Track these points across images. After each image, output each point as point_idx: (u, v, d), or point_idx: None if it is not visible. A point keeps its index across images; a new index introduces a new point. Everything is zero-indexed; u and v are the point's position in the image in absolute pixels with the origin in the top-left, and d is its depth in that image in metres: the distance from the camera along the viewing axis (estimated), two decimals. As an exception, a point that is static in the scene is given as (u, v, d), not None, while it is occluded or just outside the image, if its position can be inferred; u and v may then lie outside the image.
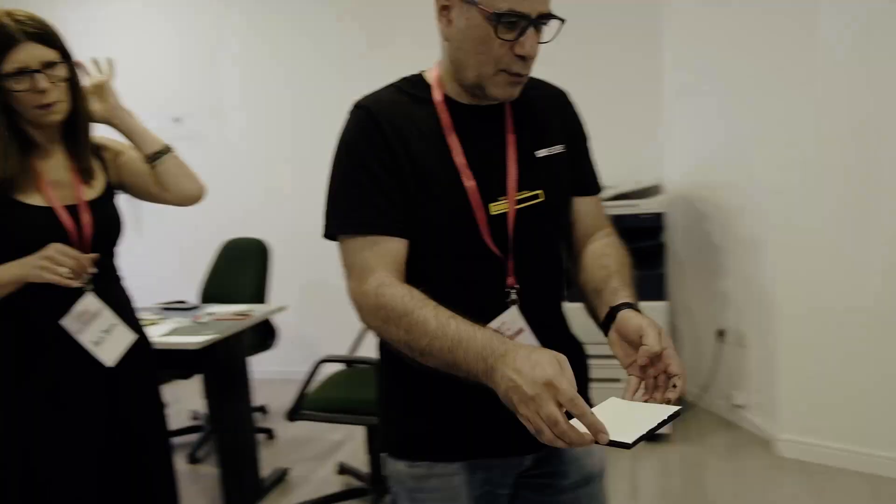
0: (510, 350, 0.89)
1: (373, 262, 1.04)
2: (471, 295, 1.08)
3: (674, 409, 0.91)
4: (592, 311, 1.13)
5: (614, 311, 1.06)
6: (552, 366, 0.86)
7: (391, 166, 1.05)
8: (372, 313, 1.03)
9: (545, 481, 1.18)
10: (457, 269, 1.09)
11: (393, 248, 1.06)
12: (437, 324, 0.96)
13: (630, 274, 1.14)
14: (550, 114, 1.18)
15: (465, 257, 1.09)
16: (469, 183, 1.07)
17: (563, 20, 1.03)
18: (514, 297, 1.10)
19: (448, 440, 1.12)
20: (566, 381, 0.85)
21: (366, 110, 1.08)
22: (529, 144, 1.13)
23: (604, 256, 1.17)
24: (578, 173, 1.21)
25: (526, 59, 1.03)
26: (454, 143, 1.08)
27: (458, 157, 1.07)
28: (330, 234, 1.10)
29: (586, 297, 1.15)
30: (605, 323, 1.07)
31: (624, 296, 1.08)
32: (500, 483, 1.16)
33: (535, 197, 1.12)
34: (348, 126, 1.10)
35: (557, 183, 1.15)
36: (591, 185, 1.24)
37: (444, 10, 1.04)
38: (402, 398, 1.16)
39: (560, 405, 0.84)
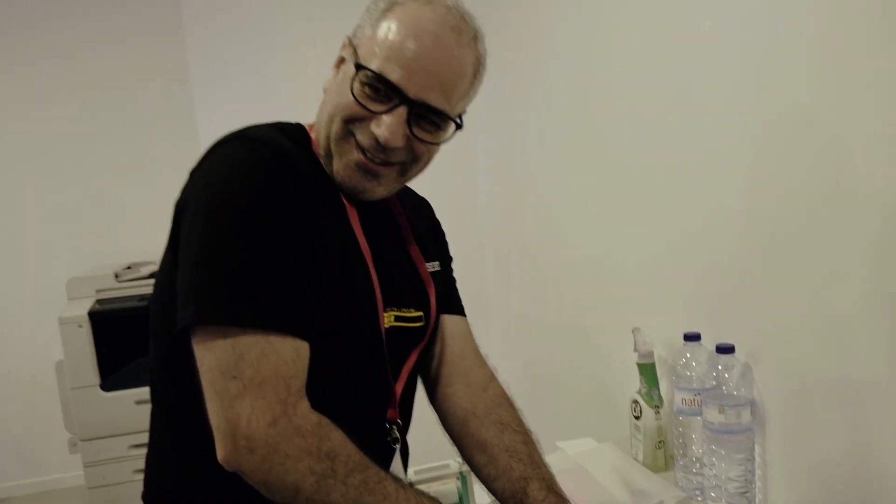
0: None
1: (299, 378, 0.70)
2: (348, 430, 0.74)
3: None
4: None
5: None
6: None
7: (303, 240, 0.74)
8: (306, 457, 0.67)
9: None
10: (335, 394, 0.79)
11: (307, 359, 0.73)
12: (395, 487, 0.72)
13: (539, 452, 0.92)
14: (424, 225, 1.01)
15: (351, 379, 0.83)
16: (378, 293, 0.84)
17: (459, 125, 0.82)
18: (396, 434, 0.88)
19: None
20: None
21: (272, 150, 0.76)
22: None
23: (506, 431, 0.91)
24: (447, 293, 1.01)
25: (383, 148, 0.79)
26: (360, 233, 0.84)
27: (367, 255, 0.84)
28: (215, 319, 0.68)
29: (488, 485, 0.91)
30: None
31: None
32: None
33: (419, 318, 0.91)
34: (248, 162, 0.73)
35: (435, 302, 0.95)
36: (459, 305, 1.03)
37: (340, 62, 0.84)
38: None
39: None
